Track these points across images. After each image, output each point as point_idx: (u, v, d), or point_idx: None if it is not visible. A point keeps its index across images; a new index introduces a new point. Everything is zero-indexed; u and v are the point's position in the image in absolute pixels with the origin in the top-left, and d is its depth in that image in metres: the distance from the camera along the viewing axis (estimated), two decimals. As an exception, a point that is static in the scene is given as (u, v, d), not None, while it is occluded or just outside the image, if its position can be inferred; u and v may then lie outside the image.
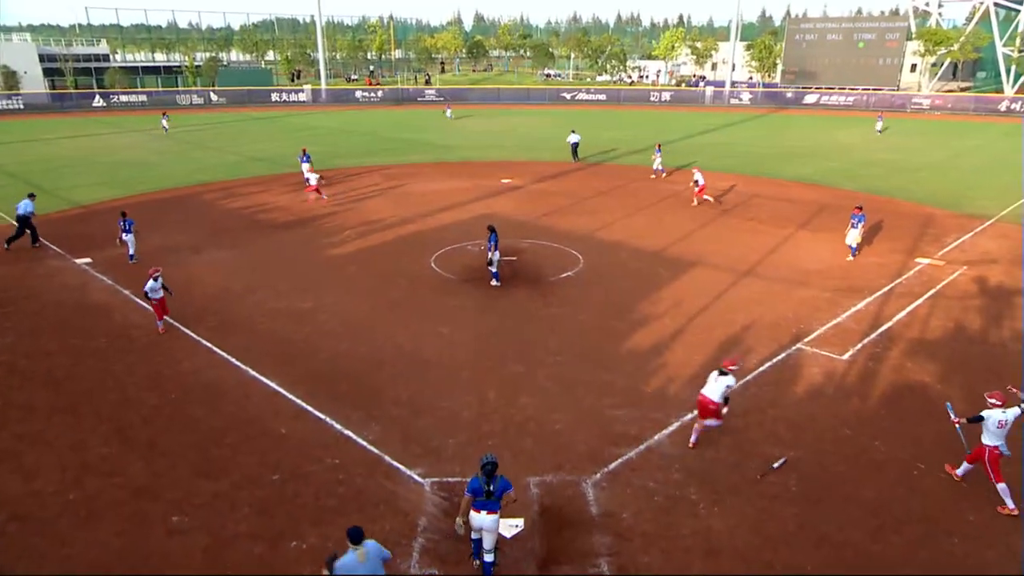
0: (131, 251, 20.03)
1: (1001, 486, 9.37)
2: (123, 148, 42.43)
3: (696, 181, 26.61)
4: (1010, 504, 9.36)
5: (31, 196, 21.92)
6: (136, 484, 10.04)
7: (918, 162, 37.41)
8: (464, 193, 29.29)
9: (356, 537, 7.18)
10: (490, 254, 17.89)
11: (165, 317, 15.47)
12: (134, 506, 9.58)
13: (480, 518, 8.00)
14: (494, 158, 38.47)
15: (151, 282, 14.96)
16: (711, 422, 10.77)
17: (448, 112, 59.11)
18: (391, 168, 35.58)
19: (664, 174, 32.59)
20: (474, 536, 8.31)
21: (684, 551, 8.73)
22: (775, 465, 10.31)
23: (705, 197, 26.78)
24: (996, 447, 9.36)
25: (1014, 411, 9.42)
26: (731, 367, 10.80)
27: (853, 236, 20.11)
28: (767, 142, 45.48)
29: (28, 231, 21.56)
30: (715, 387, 10.60)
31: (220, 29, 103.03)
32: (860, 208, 20.28)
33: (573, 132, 37.97)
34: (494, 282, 18.02)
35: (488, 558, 8.18)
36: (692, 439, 10.90)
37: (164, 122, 49.85)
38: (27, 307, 16.86)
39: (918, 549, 8.78)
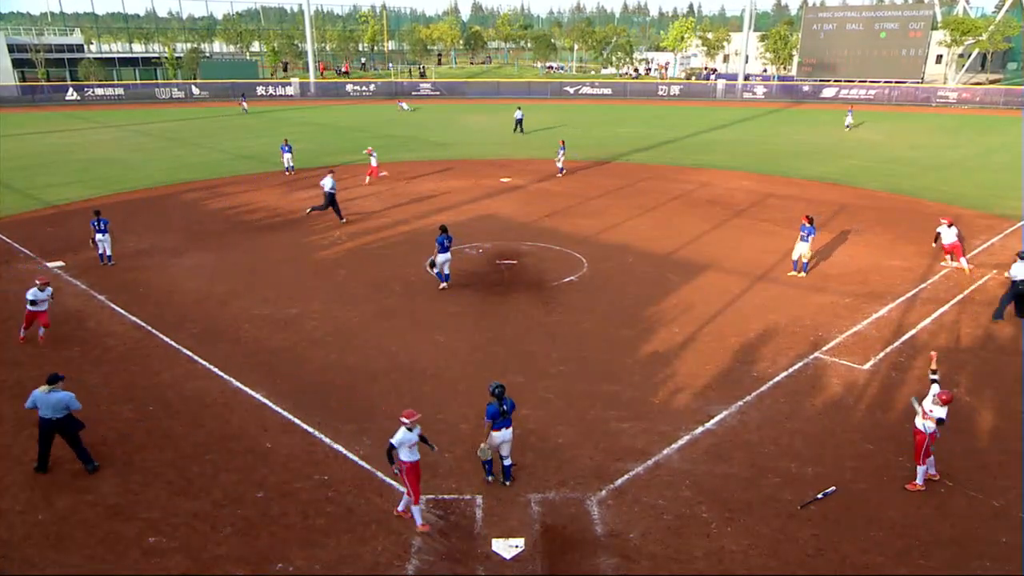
0: (108, 252, 20.05)
1: (922, 468, 10.23)
2: (98, 145, 42.53)
3: (371, 160, 31.72)
4: (919, 480, 10.26)
5: (332, 172, 25.07)
6: (110, 503, 10.01)
7: (944, 160, 37.49)
8: (462, 193, 29.35)
9: (52, 379, 10.43)
10: (434, 255, 18.04)
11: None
12: (108, 527, 9.54)
13: (500, 435, 10.22)
14: (493, 156, 38.58)
15: (405, 432, 9.30)
16: None
17: (404, 105, 61.97)
18: (384, 166, 35.58)
19: (563, 173, 32.75)
20: (486, 457, 10.37)
21: (695, 574, 8.71)
22: (820, 495, 10.07)
23: (381, 174, 31.74)
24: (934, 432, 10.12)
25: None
26: None
27: (800, 249, 18.88)
28: (782, 139, 45.61)
29: (333, 207, 24.64)
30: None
31: (202, 18, 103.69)
32: (810, 219, 18.85)
33: (519, 109, 48.91)
34: (443, 285, 18.21)
35: (507, 462, 10.48)
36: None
37: (244, 104, 60.49)
38: (-5, 314, 16.83)
39: (948, 573, 8.75)
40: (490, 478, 10.54)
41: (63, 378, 10.56)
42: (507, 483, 10.46)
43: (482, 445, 10.21)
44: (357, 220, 25.19)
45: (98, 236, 19.83)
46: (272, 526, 9.53)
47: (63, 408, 10.40)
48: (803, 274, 19.12)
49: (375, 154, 31.75)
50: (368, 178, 31.26)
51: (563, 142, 33.24)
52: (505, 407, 10.22)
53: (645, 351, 14.80)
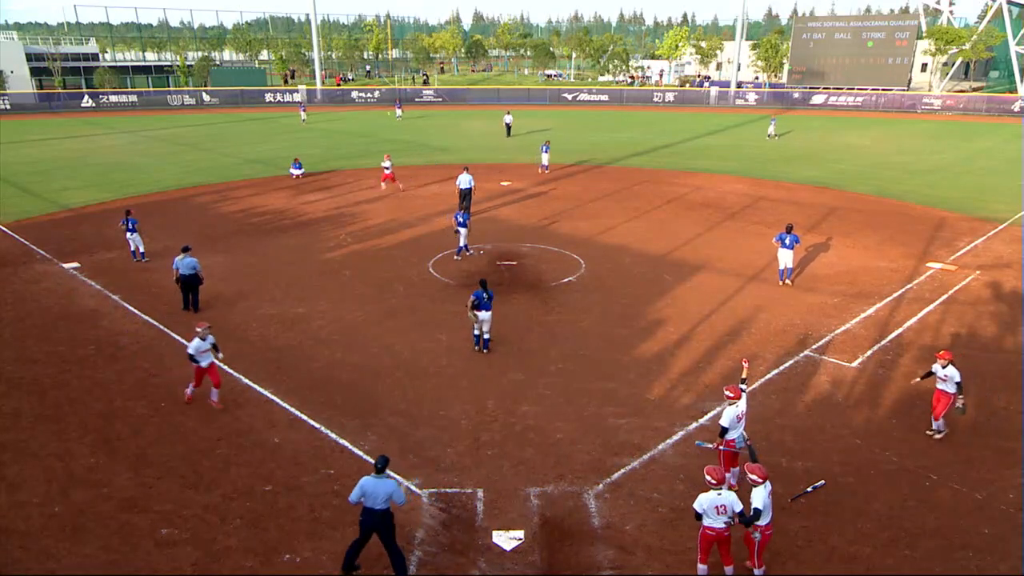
0: (141, 249, 20.76)
1: (729, 474, 9.85)
2: (113, 150, 42.52)
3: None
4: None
5: (466, 168, 25.71)
6: (124, 496, 10.02)
7: (930, 164, 37.48)
8: (463, 196, 29.29)
9: (185, 248, 16.42)
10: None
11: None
12: (122, 519, 9.54)
13: (482, 315, 14.03)
14: (493, 160, 38.52)
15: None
16: None
17: (398, 112, 61.27)
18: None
19: (546, 170, 34.57)
20: (476, 332, 14.35)
21: (689, 565, 8.70)
22: (809, 489, 9.93)
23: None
24: (733, 440, 9.93)
25: (744, 401, 10.10)
26: None
27: (785, 257, 18.27)
28: (773, 144, 45.58)
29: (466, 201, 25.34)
30: None
31: (212, 28, 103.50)
32: (789, 228, 18.34)
33: (508, 113, 49.79)
34: (456, 254, 20.67)
35: (487, 337, 14.35)
36: None
37: (303, 114, 57.96)
38: (12, 313, 16.85)
39: (932, 564, 8.75)
40: (477, 347, 14.30)
41: (191, 248, 16.49)
42: (486, 351, 14.26)
43: (469, 313, 14.08)
44: (361, 222, 25.17)
45: (128, 235, 20.46)
46: (280, 518, 9.53)
47: (192, 268, 16.31)
48: (785, 282, 18.52)
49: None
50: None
51: (548, 142, 35.59)
52: (488, 295, 13.88)
53: (641, 349, 14.80)
